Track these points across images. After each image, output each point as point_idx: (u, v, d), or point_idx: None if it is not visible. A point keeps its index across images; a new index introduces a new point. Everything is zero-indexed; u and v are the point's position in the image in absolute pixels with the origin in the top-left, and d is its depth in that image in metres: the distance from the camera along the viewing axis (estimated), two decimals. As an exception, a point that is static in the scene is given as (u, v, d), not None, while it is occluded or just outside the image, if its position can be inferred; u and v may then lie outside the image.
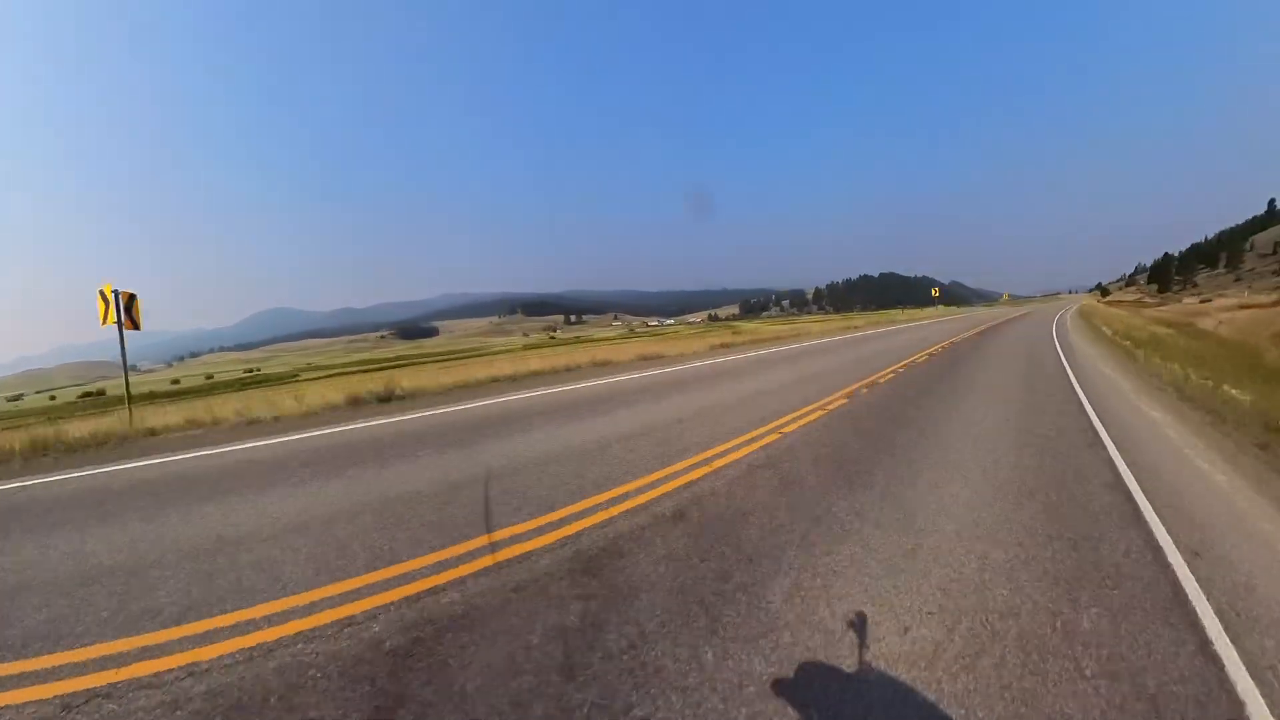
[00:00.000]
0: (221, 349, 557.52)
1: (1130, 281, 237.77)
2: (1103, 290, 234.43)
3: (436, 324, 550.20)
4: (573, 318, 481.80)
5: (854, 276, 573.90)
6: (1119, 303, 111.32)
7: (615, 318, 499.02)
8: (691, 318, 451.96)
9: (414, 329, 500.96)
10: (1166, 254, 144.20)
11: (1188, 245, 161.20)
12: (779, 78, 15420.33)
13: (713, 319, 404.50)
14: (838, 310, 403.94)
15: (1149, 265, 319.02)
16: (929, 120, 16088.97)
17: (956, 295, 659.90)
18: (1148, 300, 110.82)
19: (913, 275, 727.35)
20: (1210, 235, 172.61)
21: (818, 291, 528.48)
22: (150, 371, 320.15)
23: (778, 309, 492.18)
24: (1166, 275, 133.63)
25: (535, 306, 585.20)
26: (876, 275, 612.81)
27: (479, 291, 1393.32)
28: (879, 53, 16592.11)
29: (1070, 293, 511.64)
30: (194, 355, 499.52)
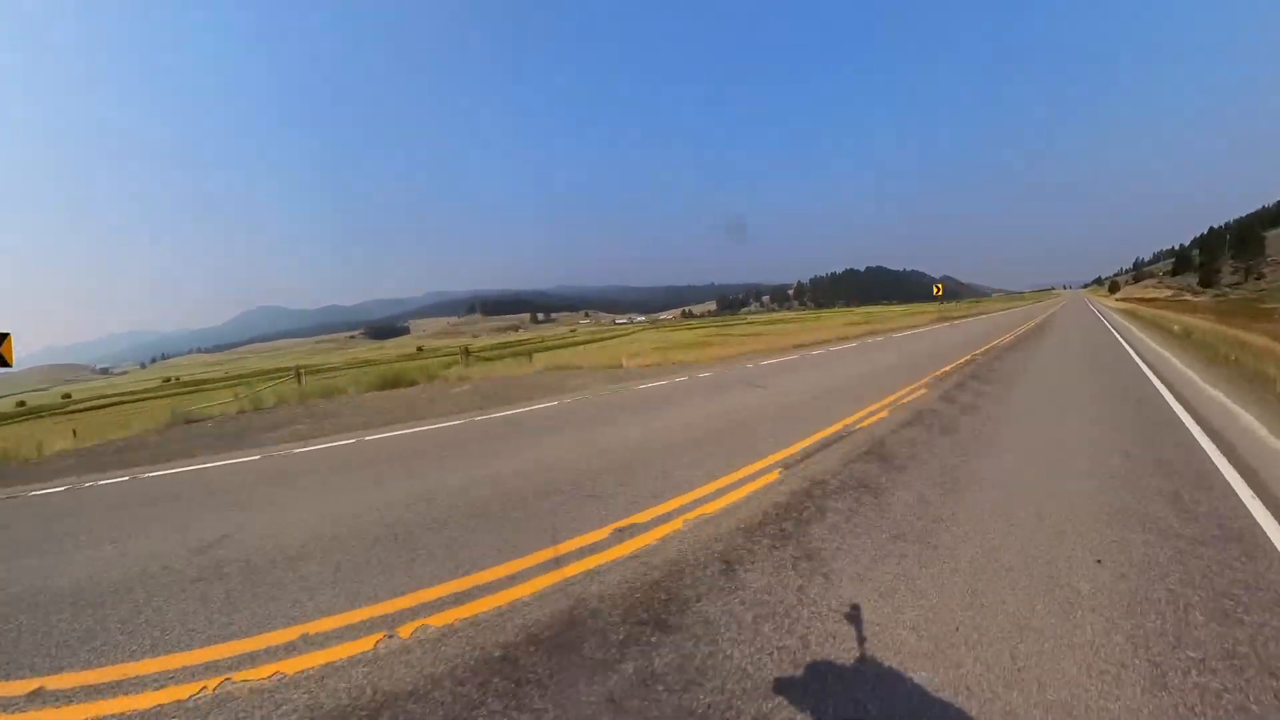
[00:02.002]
0: (200, 349, 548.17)
1: (1139, 275, 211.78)
2: (1111, 285, 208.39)
3: (410, 323, 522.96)
4: (539, 316, 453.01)
5: (839, 270, 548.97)
6: (1150, 301, 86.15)
7: (585, 315, 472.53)
8: (664, 315, 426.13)
9: (386, 328, 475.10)
10: (1211, 228, 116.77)
11: (1187, 239, 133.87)
12: (774, 76, 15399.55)
13: (687, 315, 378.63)
14: (819, 306, 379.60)
15: (1149, 258, 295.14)
16: (925, 117, 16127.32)
17: (948, 291, 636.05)
18: (1191, 298, 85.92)
19: (902, 269, 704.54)
20: (1217, 225, 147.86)
21: (799, 287, 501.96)
22: (123, 374, 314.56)
23: (758, 304, 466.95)
24: (1211, 264, 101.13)
25: (509, 304, 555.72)
26: (863, 270, 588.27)
27: (462, 289, 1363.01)
28: (869, 46, 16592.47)
29: (1065, 288, 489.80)
30: (165, 357, 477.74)
